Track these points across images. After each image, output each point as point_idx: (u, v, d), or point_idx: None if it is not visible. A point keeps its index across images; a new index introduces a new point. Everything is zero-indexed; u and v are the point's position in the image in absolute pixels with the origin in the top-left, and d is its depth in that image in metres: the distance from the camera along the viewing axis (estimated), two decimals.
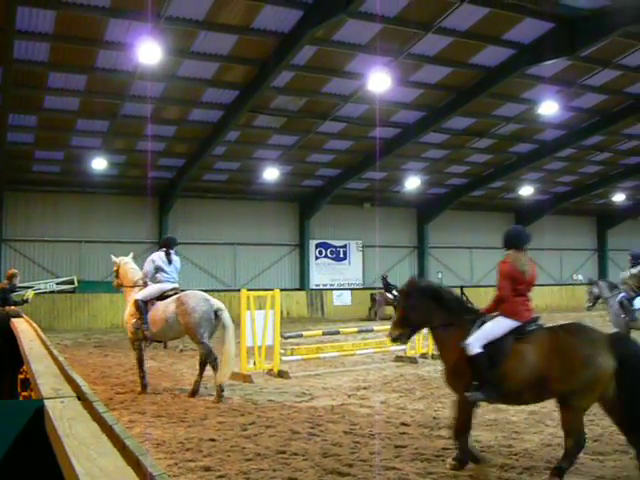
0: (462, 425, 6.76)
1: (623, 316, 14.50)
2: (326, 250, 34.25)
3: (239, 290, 13.95)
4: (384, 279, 30.42)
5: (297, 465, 6.89)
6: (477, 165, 31.34)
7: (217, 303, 11.18)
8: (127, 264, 12.13)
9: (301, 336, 15.33)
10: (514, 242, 7.25)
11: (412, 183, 31.82)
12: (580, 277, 41.15)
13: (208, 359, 10.78)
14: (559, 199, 37.80)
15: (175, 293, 11.26)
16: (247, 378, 12.50)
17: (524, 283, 6.98)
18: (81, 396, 2.38)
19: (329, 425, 8.75)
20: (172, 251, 11.86)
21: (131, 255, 12.56)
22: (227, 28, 17.54)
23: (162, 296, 11.24)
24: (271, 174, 28.72)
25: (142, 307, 11.10)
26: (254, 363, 12.95)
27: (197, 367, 11.30)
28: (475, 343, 6.58)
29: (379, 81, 19.86)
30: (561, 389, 6.24)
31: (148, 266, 11.50)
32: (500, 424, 8.68)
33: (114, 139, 24.69)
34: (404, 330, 7.20)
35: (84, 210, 29.13)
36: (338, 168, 30.01)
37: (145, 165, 25.71)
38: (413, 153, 28.50)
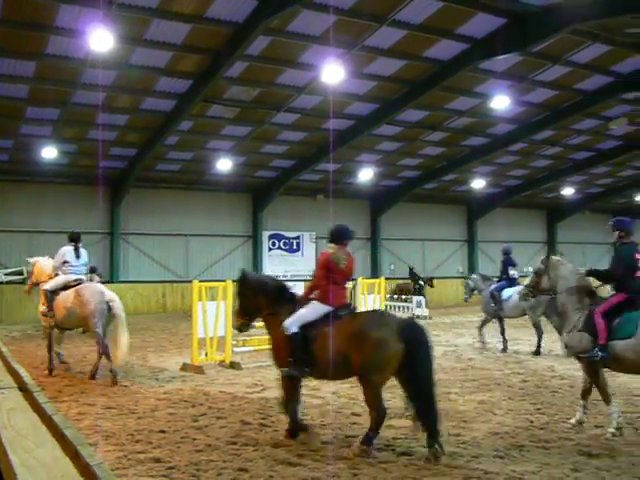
0: (288, 398, 7.77)
1: (492, 305, 16.31)
2: (279, 241, 34.20)
3: (191, 281, 13.87)
4: (411, 270, 32.14)
5: (248, 456, 6.89)
6: (430, 158, 31.57)
7: (110, 295, 11.92)
8: (40, 261, 13.25)
9: (253, 327, 15.27)
10: (336, 238, 8.08)
11: (365, 175, 31.93)
12: (531, 269, 41.71)
13: (100, 346, 11.56)
14: (510, 192, 38.34)
15: (78, 284, 12.13)
16: (198, 369, 12.45)
17: (339, 273, 7.77)
18: (23, 387, 2.33)
19: (280, 416, 8.75)
20: (80, 245, 12.78)
21: (47, 257, 13.45)
22: (181, 17, 17.33)
23: (66, 287, 12.12)
24: (224, 165, 28.54)
25: (49, 296, 12.11)
26: (205, 354, 12.91)
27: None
28: (292, 325, 7.56)
29: (333, 73, 19.85)
30: (360, 367, 7.10)
31: (57, 259, 12.48)
32: (449, 414, 8.77)
33: (64, 127, 24.24)
34: (244, 320, 8.46)
35: (34, 200, 28.55)
36: (292, 159, 29.96)
37: (96, 154, 25.27)
38: (366, 145, 28.59)
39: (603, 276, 8.23)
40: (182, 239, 31.70)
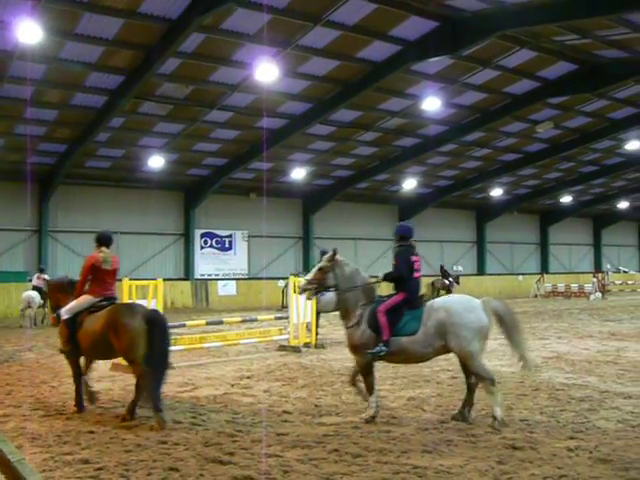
0: (74, 372, 9.17)
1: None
2: (211, 240, 34.01)
3: (122, 280, 13.67)
4: (442, 268, 36.78)
5: (178, 455, 6.86)
6: (362, 158, 31.86)
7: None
8: None
9: (184, 326, 15.23)
10: (103, 241, 9.32)
11: (298, 174, 32.04)
12: (460, 268, 42.62)
13: None
14: (441, 192, 39.00)
15: None
16: (128, 369, 12.28)
17: (105, 272, 9.07)
18: None
19: (211, 414, 8.75)
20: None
21: None
22: (112, 11, 17.07)
23: None
24: (156, 162, 28.24)
25: None
26: None
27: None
28: (65, 313, 8.94)
29: (267, 71, 19.88)
30: (118, 347, 8.43)
31: None
32: (380, 410, 8.89)
33: None
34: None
35: None
36: (224, 157, 29.82)
37: (24, 150, 24.75)
38: (300, 144, 28.68)
39: (394, 278, 8.73)
40: (113, 237, 31.16)
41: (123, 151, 28.10)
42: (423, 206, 39.98)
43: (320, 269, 8.90)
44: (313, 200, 36.30)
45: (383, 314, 8.26)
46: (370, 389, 8.46)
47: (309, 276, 9.03)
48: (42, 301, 21.57)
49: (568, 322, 22.62)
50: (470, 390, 8.43)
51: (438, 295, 33.09)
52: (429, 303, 8.49)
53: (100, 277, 9.04)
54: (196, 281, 32.65)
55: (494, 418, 7.94)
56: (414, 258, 8.68)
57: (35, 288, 22.27)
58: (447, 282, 35.69)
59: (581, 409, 8.87)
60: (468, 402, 8.40)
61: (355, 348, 8.54)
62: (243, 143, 28.12)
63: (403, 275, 8.53)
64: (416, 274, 8.65)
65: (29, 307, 21.81)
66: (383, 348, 8.19)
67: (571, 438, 7.42)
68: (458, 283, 36.32)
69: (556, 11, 18.03)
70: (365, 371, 8.49)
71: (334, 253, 8.92)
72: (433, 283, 36.04)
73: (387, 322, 8.21)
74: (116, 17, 17.37)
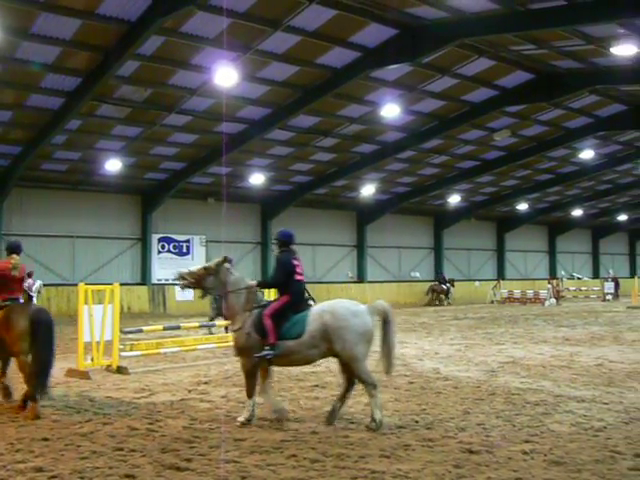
0: None
1: (214, 306, 19.20)
2: (169, 244, 33.74)
3: (77, 284, 13.49)
4: (439, 274, 41.15)
5: (135, 462, 6.78)
6: (321, 163, 31.93)
7: None
8: None
9: (141, 331, 15.05)
10: (14, 250, 9.82)
11: (257, 179, 31.98)
12: (417, 274, 42.98)
13: None
14: (399, 199, 39.23)
15: None
16: (84, 374, 12.13)
17: (12, 278, 9.60)
18: None
19: (168, 421, 8.66)
20: None
21: None
22: (70, 11, 16.87)
23: None
24: (113, 165, 27.93)
25: None
26: (91, 359, 12.60)
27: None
28: None
29: (226, 76, 19.83)
30: (8, 344, 9.13)
31: None
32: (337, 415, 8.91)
33: None
34: None
35: None
36: (182, 162, 29.63)
37: None
38: (258, 149, 28.63)
39: (270, 285, 9.23)
40: (68, 241, 30.78)
41: (80, 154, 27.73)
42: (381, 212, 40.18)
43: (205, 268, 9.08)
44: (272, 205, 36.23)
45: (268, 318, 8.47)
46: (250, 393, 8.63)
47: (192, 268, 9.21)
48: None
49: (523, 327, 22.91)
50: (346, 389, 8.74)
51: (438, 299, 39.04)
52: (315, 307, 8.69)
53: (7, 283, 9.59)
54: (153, 286, 32.36)
55: (373, 419, 8.17)
56: (295, 262, 8.94)
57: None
58: (445, 287, 39.40)
59: (536, 413, 8.99)
60: (340, 399, 8.71)
61: (241, 351, 8.74)
62: (202, 147, 27.97)
63: (279, 280, 8.83)
64: (298, 277, 8.89)
65: None
66: (270, 351, 8.41)
67: (526, 441, 7.52)
68: (453, 285, 40.20)
69: (514, 21, 18.36)
70: (249, 374, 8.68)
71: (224, 260, 9.09)
72: (433, 288, 39.37)
73: (273, 326, 8.42)
74: (74, 17, 17.17)
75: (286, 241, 9.20)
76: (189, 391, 10.90)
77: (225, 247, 33.98)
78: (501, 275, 47.50)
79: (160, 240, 33.39)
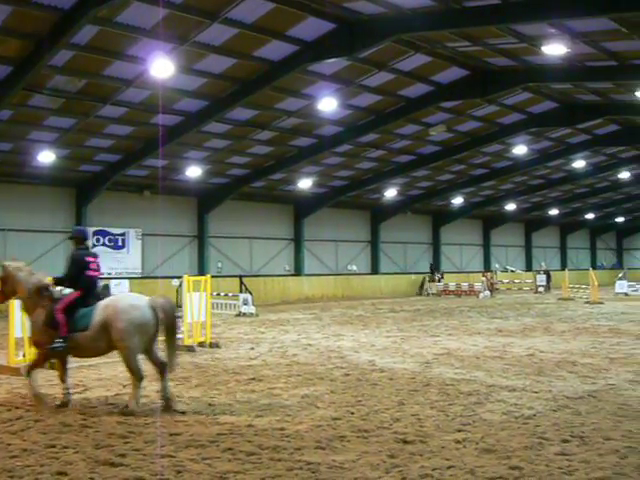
0: None
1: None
2: (104, 238, 33.16)
3: None
4: (431, 265, 45.77)
5: (67, 458, 6.69)
6: (258, 157, 31.81)
7: None
8: None
9: None
10: None
11: (194, 172, 31.69)
12: (354, 267, 43.30)
13: None
14: (336, 192, 39.37)
15: None
16: (15, 371, 11.88)
17: None
18: None
19: (103, 416, 8.57)
20: None
21: None
22: None
23: None
24: (46, 157, 27.28)
25: None
26: (24, 355, 12.34)
27: None
28: None
29: (162, 67, 19.56)
30: None
31: None
32: (274, 408, 8.96)
33: None
34: None
35: None
36: (118, 154, 29.14)
37: None
38: (195, 142, 28.37)
39: (63, 280, 9.53)
40: (0, 234, 29.99)
41: (11, 145, 27.00)
42: (319, 206, 40.28)
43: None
44: (208, 198, 35.94)
45: (60, 312, 8.89)
46: (61, 377, 9.34)
47: None
48: None
49: (458, 320, 23.32)
50: (161, 378, 9.13)
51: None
52: (102, 301, 9.08)
53: None
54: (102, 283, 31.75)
55: (126, 406, 8.80)
56: (89, 259, 9.48)
57: None
58: (436, 278, 43.23)
59: (469, 403, 9.19)
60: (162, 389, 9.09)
61: (36, 343, 9.37)
62: (137, 139, 27.57)
63: (71, 276, 9.34)
64: (90, 273, 9.40)
65: None
66: (61, 344, 8.85)
67: (459, 431, 7.69)
68: (443, 277, 43.69)
69: (449, 18, 18.62)
70: (39, 364, 9.38)
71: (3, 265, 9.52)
72: (425, 279, 43.06)
73: (64, 319, 8.85)
74: (4, 4, 16.65)
75: (81, 238, 9.76)
76: (124, 386, 10.78)
77: (161, 240, 33.74)
78: (437, 268, 48.13)
79: (95, 233, 32.76)
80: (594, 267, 56.03)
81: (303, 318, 24.94)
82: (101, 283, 9.72)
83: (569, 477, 6.04)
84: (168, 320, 9.08)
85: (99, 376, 11.81)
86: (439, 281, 43.19)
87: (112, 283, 31.63)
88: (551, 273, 45.54)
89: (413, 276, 45.39)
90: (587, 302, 31.92)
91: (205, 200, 36.03)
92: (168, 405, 8.89)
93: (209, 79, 22.31)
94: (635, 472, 6.16)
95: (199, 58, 20.67)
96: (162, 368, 9.08)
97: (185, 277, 15.98)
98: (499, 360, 13.27)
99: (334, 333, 19.03)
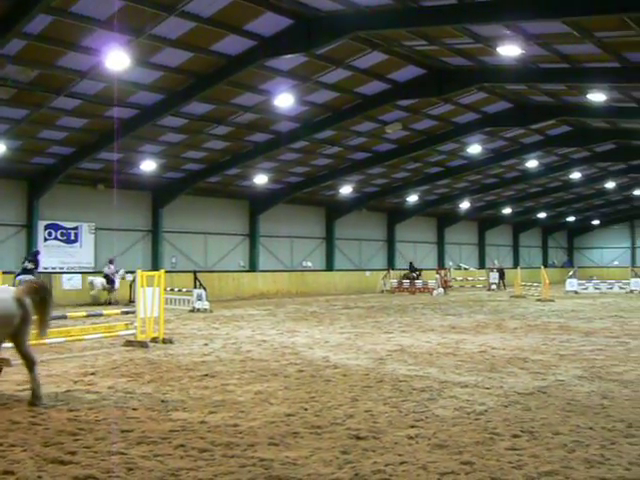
0: None
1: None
2: (56, 231, 32.65)
3: None
4: (411, 264, 46.51)
5: (15, 457, 6.55)
6: (214, 152, 31.64)
7: None
8: None
9: None
10: None
11: (148, 166, 31.38)
12: (309, 264, 43.36)
13: None
14: (292, 189, 39.38)
15: None
16: None
17: None
18: None
19: (52, 413, 8.43)
20: None
21: None
22: None
23: None
24: None
25: None
26: None
27: None
28: None
29: (117, 59, 19.32)
30: None
31: None
32: (227, 404, 8.92)
33: None
34: None
35: None
36: (72, 146, 28.71)
37: None
38: (150, 135, 28.11)
39: None
40: None
41: None
42: (274, 202, 40.24)
43: None
44: (163, 193, 35.64)
45: None
46: None
47: None
48: (109, 285, 29.61)
49: (412, 316, 23.50)
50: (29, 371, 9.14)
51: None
52: None
53: None
54: (39, 274, 31.25)
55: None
56: None
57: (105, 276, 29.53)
58: (414, 275, 44.48)
59: (422, 399, 9.26)
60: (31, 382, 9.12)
61: None
62: (92, 132, 27.19)
63: None
64: None
65: (92, 289, 29.62)
66: None
67: (412, 427, 7.74)
68: (421, 274, 45.15)
69: (406, 17, 18.73)
70: None
71: None
72: (406, 275, 44.35)
73: None
74: None
75: None
76: (75, 382, 10.64)
77: (115, 235, 33.36)
78: (391, 265, 48.47)
79: (47, 227, 32.26)
80: (546, 265, 56.94)
81: (257, 314, 24.89)
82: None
83: (519, 471, 6.12)
84: (28, 315, 9.12)
85: (49, 372, 11.61)
86: (417, 278, 43.84)
87: (64, 277, 31.28)
88: (505, 271, 46.14)
89: (367, 273, 45.59)
90: (538, 300, 32.43)
91: (160, 194, 35.72)
92: (32, 397, 8.95)
93: (165, 72, 22.11)
94: (582, 465, 6.28)
95: (155, 51, 20.47)
96: (28, 364, 9.11)
97: (138, 272, 15.80)
98: (452, 357, 13.40)
99: (288, 329, 19.03)
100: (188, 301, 26.49)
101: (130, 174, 32.89)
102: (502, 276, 45.26)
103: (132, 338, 15.23)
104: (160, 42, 19.80)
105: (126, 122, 25.68)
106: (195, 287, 28.33)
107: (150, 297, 15.31)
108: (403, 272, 45.75)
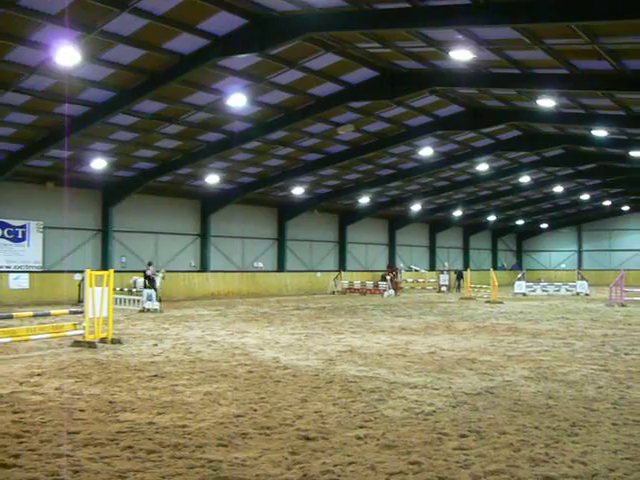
0: None
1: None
2: (3, 230, 31.99)
3: None
4: (389, 265, 48.94)
5: None
6: (166, 150, 31.36)
7: None
8: None
9: None
10: None
11: (99, 164, 30.96)
12: (261, 264, 43.28)
13: None
14: (244, 189, 39.24)
15: None
16: None
17: None
18: None
19: None
20: None
21: None
22: None
23: None
24: None
25: None
26: None
27: None
28: None
29: (68, 55, 19.00)
30: None
31: None
32: (176, 405, 8.86)
33: None
34: None
35: None
36: (20, 143, 28.16)
37: None
38: (101, 133, 27.73)
39: None
40: None
41: None
42: (226, 202, 40.06)
43: None
44: (114, 192, 35.19)
45: None
46: None
47: None
48: (150, 285, 29.59)
49: (362, 318, 23.62)
50: None
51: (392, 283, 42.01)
52: None
53: None
54: None
55: None
56: None
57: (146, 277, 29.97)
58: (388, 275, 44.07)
59: (371, 399, 9.31)
60: None
61: None
62: (41, 129, 26.70)
63: None
64: None
65: (134, 287, 29.92)
66: None
67: (361, 427, 7.78)
68: (401, 274, 45.87)
69: (360, 19, 18.78)
70: None
71: None
72: (383, 276, 44.02)
73: None
74: None
75: None
76: (20, 383, 10.45)
77: (64, 234, 32.84)
78: (342, 266, 48.65)
79: None
80: (495, 268, 57.76)
81: (208, 315, 24.75)
82: None
83: (466, 471, 6.20)
84: None
85: None
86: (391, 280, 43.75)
87: (11, 277, 30.69)
88: (464, 273, 46.34)
89: (319, 274, 45.68)
90: (488, 301, 32.89)
91: (110, 193, 35.27)
92: None
93: (117, 70, 21.81)
94: (527, 464, 6.39)
95: (107, 48, 20.18)
96: None
97: (87, 271, 15.59)
98: (401, 358, 13.50)
99: (239, 330, 18.96)
100: (138, 301, 26.22)
101: (80, 172, 32.41)
102: (460, 277, 45.76)
103: (80, 338, 15.02)
104: (112, 39, 19.53)
105: (76, 119, 25.31)
106: (145, 287, 28.09)
107: (99, 297, 15.12)
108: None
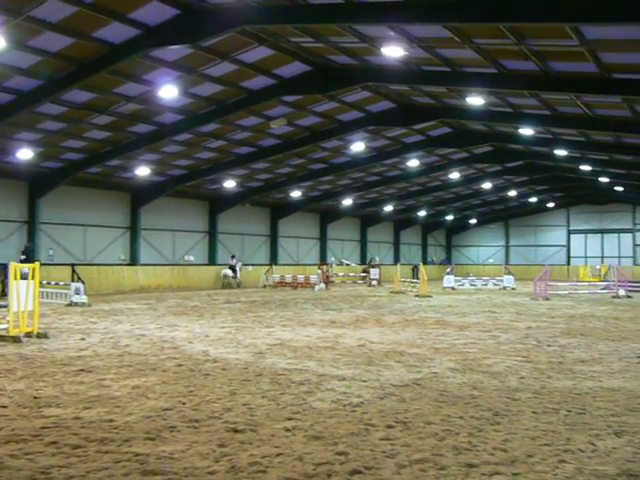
0: None
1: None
2: None
3: None
4: (370, 260, 55.67)
5: None
6: (95, 141, 30.79)
7: None
8: None
9: None
10: None
11: (25, 154, 30.19)
12: (192, 258, 42.96)
13: None
14: (175, 182, 38.85)
15: None
16: None
17: None
18: None
19: None
20: None
21: None
22: None
23: None
24: None
25: None
26: None
27: None
28: None
29: None
30: None
31: None
32: (103, 400, 8.75)
33: None
34: None
35: None
36: None
37: None
38: (27, 123, 27.05)
39: None
40: None
41: None
42: (157, 194, 39.59)
43: None
44: (41, 183, 34.33)
45: None
46: None
47: None
48: (233, 274, 40.33)
49: (293, 311, 23.69)
50: None
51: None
52: None
53: None
54: None
55: None
56: None
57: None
58: (372, 269, 47.37)
59: (300, 392, 9.38)
60: None
61: None
62: None
63: None
64: None
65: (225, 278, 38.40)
66: None
67: (289, 419, 7.84)
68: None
69: (293, 13, 18.80)
70: None
71: None
72: (364, 270, 48.89)
73: None
74: None
75: None
76: None
77: None
78: (274, 260, 48.66)
79: None
80: (425, 262, 58.62)
81: (137, 308, 24.45)
82: None
83: (391, 460, 6.32)
84: None
85: None
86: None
87: None
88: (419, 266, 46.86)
89: (250, 267, 45.56)
90: (417, 295, 33.34)
91: (37, 184, 34.40)
92: None
93: (44, 57, 21.29)
94: (450, 452, 6.56)
95: (34, 34, 19.68)
96: None
97: (11, 264, 15.22)
98: (331, 350, 13.61)
99: (168, 324, 18.81)
100: (65, 295, 25.71)
101: (5, 162, 31.56)
102: (417, 271, 46.49)
103: (4, 333, 14.67)
104: (40, 25, 19.04)
105: (1, 108, 24.63)
106: (73, 280, 27.57)
107: (24, 290, 14.79)
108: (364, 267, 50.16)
